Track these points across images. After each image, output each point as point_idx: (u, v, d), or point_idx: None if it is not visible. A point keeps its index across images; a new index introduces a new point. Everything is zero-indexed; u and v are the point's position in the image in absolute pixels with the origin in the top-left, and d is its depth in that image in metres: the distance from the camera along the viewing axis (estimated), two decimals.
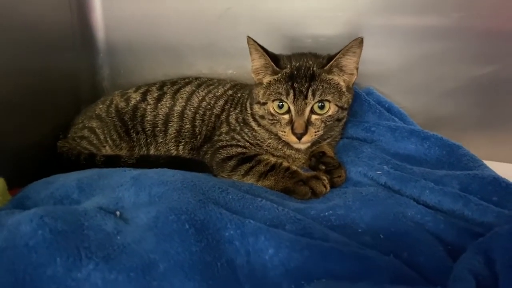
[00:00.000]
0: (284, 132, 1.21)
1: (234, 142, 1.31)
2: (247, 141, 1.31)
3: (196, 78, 1.54)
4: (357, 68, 1.24)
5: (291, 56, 1.27)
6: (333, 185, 1.20)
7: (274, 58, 1.23)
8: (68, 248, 0.76)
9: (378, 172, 1.19)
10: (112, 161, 1.31)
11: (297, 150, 1.29)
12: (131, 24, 1.67)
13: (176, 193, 0.96)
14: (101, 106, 1.50)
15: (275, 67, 1.22)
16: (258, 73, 1.27)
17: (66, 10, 1.57)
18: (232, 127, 1.34)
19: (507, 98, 1.49)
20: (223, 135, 1.33)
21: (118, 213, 0.95)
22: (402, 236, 0.99)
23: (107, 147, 1.43)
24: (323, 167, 1.24)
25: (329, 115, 1.21)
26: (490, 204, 1.04)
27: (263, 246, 0.84)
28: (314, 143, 1.28)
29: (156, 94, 1.48)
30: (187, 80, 1.53)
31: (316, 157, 1.30)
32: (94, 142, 1.43)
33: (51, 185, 1.16)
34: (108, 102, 1.50)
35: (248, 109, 1.33)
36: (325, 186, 1.17)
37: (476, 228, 1.01)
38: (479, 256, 0.88)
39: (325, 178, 1.18)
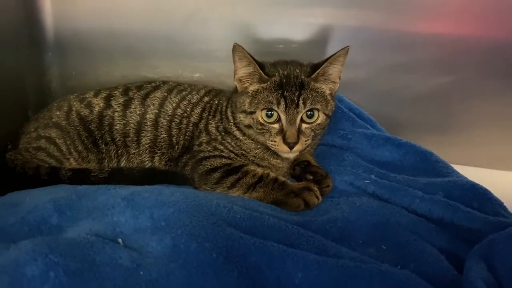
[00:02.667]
0: (275, 141, 1.18)
1: (217, 153, 1.25)
2: (231, 151, 1.26)
3: (164, 82, 1.44)
4: (339, 77, 1.25)
5: (276, 64, 1.24)
6: (321, 195, 1.20)
7: (260, 66, 1.19)
8: None
9: (366, 181, 1.21)
10: (81, 176, 1.18)
11: (282, 159, 1.27)
12: (85, 20, 1.52)
13: (185, 215, 0.88)
14: (58, 113, 1.34)
15: (263, 75, 1.18)
16: (243, 81, 1.22)
17: (9, 2, 1.37)
18: (213, 137, 1.28)
19: (461, 105, 1.60)
20: (204, 145, 1.27)
21: (120, 240, 0.86)
22: (404, 246, 1.01)
23: (71, 160, 1.29)
24: (311, 177, 1.24)
25: (318, 124, 1.21)
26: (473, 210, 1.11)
27: (291, 270, 0.81)
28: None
29: (122, 100, 1.36)
30: (154, 84, 1.43)
31: (300, 166, 1.29)
32: (55, 154, 1.28)
33: (18, 207, 1.02)
34: (66, 108, 1.35)
35: (231, 118, 1.28)
36: (317, 197, 1.16)
37: (465, 235, 1.07)
38: (482, 263, 0.93)
39: (316, 189, 1.17)
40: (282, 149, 1.18)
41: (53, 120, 1.33)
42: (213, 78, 1.54)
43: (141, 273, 0.73)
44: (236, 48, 1.16)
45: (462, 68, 1.53)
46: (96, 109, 1.34)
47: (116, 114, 1.33)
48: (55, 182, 1.17)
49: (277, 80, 1.18)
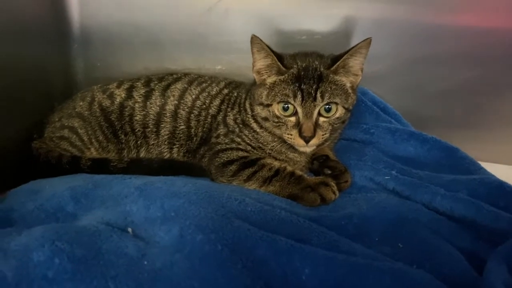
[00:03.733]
0: (291, 135, 1.16)
1: (234, 145, 1.24)
2: (248, 144, 1.24)
3: (185, 74, 1.45)
4: (362, 69, 1.21)
5: (295, 56, 1.21)
6: (339, 190, 1.17)
7: (279, 58, 1.17)
8: (94, 279, 0.67)
9: (386, 177, 1.17)
10: (100, 165, 1.20)
11: (300, 153, 1.24)
12: (109, 13, 1.54)
13: (195, 207, 0.88)
14: (81, 103, 1.36)
15: (281, 67, 1.16)
16: (262, 73, 1.20)
17: None
18: (230, 129, 1.27)
19: (492, 100, 1.53)
20: (221, 137, 1.26)
21: (130, 230, 0.86)
22: (421, 245, 0.97)
23: (92, 149, 1.31)
24: (329, 172, 1.21)
25: (337, 117, 1.18)
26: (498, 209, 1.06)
27: (298, 266, 0.79)
28: (317, 145, 1.24)
29: (143, 91, 1.37)
30: (175, 76, 1.43)
31: (318, 160, 1.26)
32: (77, 143, 1.31)
33: (37, 195, 1.05)
34: (89, 98, 1.37)
35: (249, 110, 1.27)
36: (334, 193, 1.13)
37: (488, 235, 1.02)
38: (503, 265, 0.89)
39: (333, 184, 1.14)
40: (298, 142, 1.16)
41: (76, 110, 1.35)
42: (235, 70, 1.53)
43: (145, 262, 0.73)
44: (254, 39, 1.14)
45: (490, 62, 1.47)
46: (118, 100, 1.35)
47: (136, 105, 1.34)
48: (76, 171, 1.19)
49: (294, 72, 1.16)
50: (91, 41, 1.56)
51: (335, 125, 1.18)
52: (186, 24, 1.52)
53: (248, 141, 1.25)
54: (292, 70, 1.16)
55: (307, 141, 1.14)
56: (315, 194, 1.11)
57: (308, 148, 1.19)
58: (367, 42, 1.15)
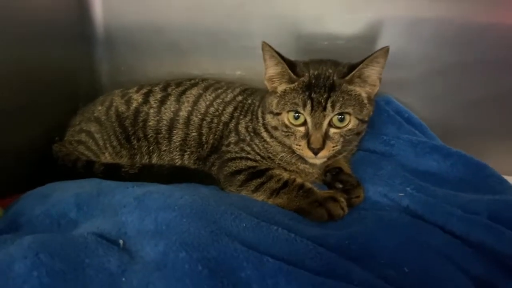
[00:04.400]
0: (300, 145, 1.12)
1: (243, 154, 1.21)
2: (258, 154, 1.22)
3: (203, 80, 1.44)
4: (380, 79, 1.15)
5: (309, 63, 1.17)
6: (350, 205, 1.12)
7: (291, 65, 1.13)
8: None
9: (401, 194, 1.10)
10: (112, 171, 1.22)
11: (311, 164, 1.20)
12: (133, 18, 1.56)
13: (186, 221, 0.86)
14: (100, 108, 1.39)
15: (292, 75, 1.12)
16: (273, 81, 1.16)
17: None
18: (241, 137, 1.25)
19: None
20: (232, 146, 1.24)
21: (121, 241, 0.86)
22: (428, 271, 0.91)
23: (106, 154, 1.34)
24: (340, 186, 1.16)
25: (349, 129, 1.12)
26: None
27: None
28: (330, 157, 1.19)
29: (160, 96, 1.37)
30: (193, 81, 1.43)
31: (331, 173, 1.21)
32: (93, 148, 1.33)
33: (47, 199, 1.07)
34: (107, 103, 1.39)
35: (260, 118, 1.24)
36: (343, 209, 1.08)
37: (508, 265, 0.94)
38: None
39: (343, 200, 1.09)
40: (307, 154, 1.11)
41: (95, 114, 1.38)
42: (254, 76, 1.51)
43: (123, 279, 0.73)
44: (264, 46, 1.11)
45: None
46: (134, 105, 1.36)
47: (151, 110, 1.35)
48: (90, 175, 1.21)
49: (305, 80, 1.11)
50: (116, 45, 1.59)
51: (347, 137, 1.13)
52: (208, 28, 1.51)
53: (258, 151, 1.22)
54: (303, 78, 1.12)
55: (315, 153, 1.09)
56: (323, 210, 1.07)
57: (318, 160, 1.15)
58: (384, 51, 1.09)
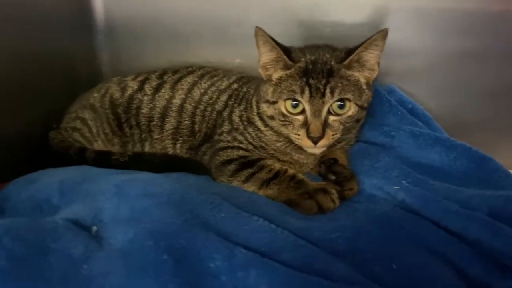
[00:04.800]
0: (298, 135, 1.08)
1: (235, 144, 1.18)
2: (250, 143, 1.18)
3: (200, 68, 1.41)
4: (378, 63, 1.10)
5: (305, 49, 1.12)
6: (342, 198, 1.07)
7: (286, 51, 1.08)
8: (26, 281, 0.66)
9: (396, 187, 1.05)
10: (103, 158, 1.20)
11: (307, 154, 1.16)
12: (134, 6, 1.53)
13: (160, 210, 0.84)
14: (95, 95, 1.37)
15: (288, 60, 1.07)
16: (267, 68, 1.12)
17: None
18: (234, 126, 1.21)
19: None
20: (224, 135, 1.20)
21: (95, 228, 0.84)
22: (417, 269, 0.86)
23: (99, 141, 1.32)
24: (333, 177, 1.11)
25: (349, 116, 1.07)
26: None
27: (254, 283, 0.72)
28: (328, 147, 1.14)
29: (155, 83, 1.34)
30: (190, 69, 1.40)
31: (325, 164, 1.16)
32: (87, 135, 1.32)
33: (33, 184, 1.07)
34: (103, 90, 1.37)
35: (255, 107, 1.19)
36: (333, 201, 1.03)
37: (507, 263, 0.88)
38: None
39: (334, 192, 1.05)
40: (306, 143, 1.07)
41: (90, 101, 1.36)
42: (254, 65, 1.45)
43: (85, 266, 0.70)
44: (258, 32, 1.07)
45: None
46: (128, 92, 1.34)
47: (145, 98, 1.32)
48: (82, 162, 1.19)
49: (302, 66, 1.07)
50: (116, 33, 1.56)
51: (347, 124, 1.08)
52: (208, 15, 1.47)
53: (250, 140, 1.18)
54: (299, 64, 1.08)
55: (315, 142, 1.05)
56: (312, 202, 1.03)
57: (318, 150, 1.11)
58: (383, 33, 1.04)
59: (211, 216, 0.86)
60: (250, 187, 1.10)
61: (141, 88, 1.34)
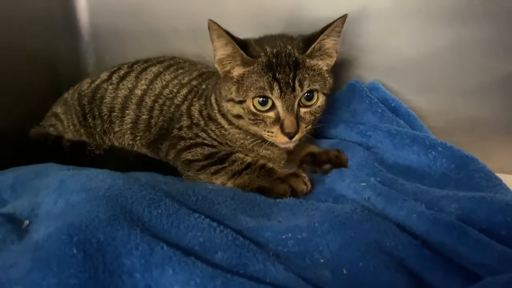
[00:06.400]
0: (272, 132, 1.04)
1: (199, 140, 1.13)
2: (214, 139, 1.13)
3: (172, 58, 1.38)
4: (336, 50, 1.08)
5: (262, 41, 1.08)
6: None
7: (242, 45, 1.03)
8: None
9: (363, 184, 0.97)
10: (78, 148, 1.20)
11: (274, 150, 1.14)
12: (116, 8, 1.54)
13: (90, 204, 0.80)
14: (70, 91, 1.37)
15: (245, 55, 1.03)
16: (224, 64, 1.07)
17: None
18: (194, 121, 1.16)
19: None
20: (184, 130, 1.16)
21: (26, 222, 0.82)
22: (369, 275, 0.78)
23: (69, 134, 1.30)
24: (328, 166, 1.10)
25: (318, 106, 1.06)
26: (494, 239, 0.80)
27: (168, 282, 0.66)
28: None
29: (123, 72, 1.32)
30: (161, 59, 1.37)
31: (308, 163, 1.13)
32: (60, 128, 1.31)
33: None
34: (77, 85, 1.37)
35: (215, 105, 1.15)
36: (305, 184, 1.02)
37: (471, 269, 0.78)
38: None
39: (305, 175, 1.03)
40: (281, 140, 1.04)
41: (64, 97, 1.36)
42: None
43: None
44: (210, 25, 1.02)
45: None
46: (96, 83, 1.32)
47: (110, 87, 1.29)
48: (59, 150, 1.20)
49: (264, 60, 1.03)
50: (101, 36, 1.58)
51: (317, 115, 1.07)
52: (186, 14, 1.46)
53: (214, 137, 1.14)
54: (260, 59, 1.03)
55: (291, 137, 1.03)
56: (285, 185, 1.02)
57: (292, 144, 1.09)
58: (343, 19, 1.03)
59: (146, 213, 0.82)
60: (219, 179, 1.07)
61: (109, 78, 1.32)
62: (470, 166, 1.03)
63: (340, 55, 1.33)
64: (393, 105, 1.25)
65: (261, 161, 1.07)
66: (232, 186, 1.05)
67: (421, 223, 0.85)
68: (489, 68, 1.23)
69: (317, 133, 1.20)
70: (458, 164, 1.04)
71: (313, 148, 1.16)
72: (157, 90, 1.26)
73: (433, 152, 1.07)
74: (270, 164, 1.07)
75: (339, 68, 1.36)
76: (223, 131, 1.13)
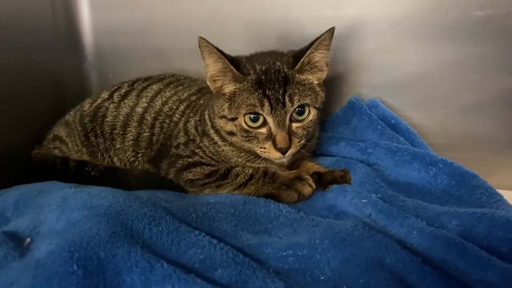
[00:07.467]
0: (264, 148, 1.05)
1: (196, 159, 1.14)
2: (210, 157, 1.15)
3: (172, 75, 1.40)
4: (327, 64, 1.09)
5: (252, 58, 1.10)
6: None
7: (233, 62, 1.05)
8: None
9: (364, 201, 0.97)
10: (80, 168, 1.21)
11: (270, 163, 1.13)
12: (120, 28, 1.57)
13: (91, 221, 0.80)
14: (71, 112, 1.38)
15: (235, 71, 1.04)
16: (215, 80, 1.09)
17: (48, 10, 1.48)
18: (191, 137, 1.18)
19: None
20: (182, 148, 1.17)
21: (28, 240, 0.82)
22: None
23: (73, 154, 1.31)
24: (332, 186, 1.09)
25: (310, 120, 1.06)
26: (495, 256, 0.80)
27: None
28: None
29: (124, 91, 1.33)
30: (162, 76, 1.39)
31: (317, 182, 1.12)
32: (65, 150, 1.32)
33: None
34: (78, 106, 1.38)
35: (208, 121, 1.16)
36: (310, 186, 1.05)
37: (473, 286, 0.78)
38: None
39: (309, 177, 1.06)
40: (274, 155, 1.05)
41: (66, 118, 1.37)
42: None
43: None
44: (201, 42, 1.03)
45: None
46: (97, 102, 1.33)
47: (111, 105, 1.31)
48: (67, 171, 1.21)
49: (253, 78, 1.04)
50: (104, 55, 1.60)
51: (309, 129, 1.07)
52: (188, 34, 1.47)
53: (209, 154, 1.15)
54: (250, 76, 1.05)
55: (284, 152, 1.04)
56: (292, 191, 1.05)
57: (285, 159, 1.10)
58: (331, 32, 1.04)
59: (147, 230, 0.82)
60: (224, 190, 1.09)
61: (110, 97, 1.33)
62: (470, 182, 1.03)
63: (340, 72, 1.36)
64: (392, 122, 1.26)
65: (262, 168, 1.10)
66: (239, 193, 1.08)
67: (422, 240, 0.85)
68: (488, 84, 1.24)
69: (315, 150, 1.21)
70: (458, 181, 1.04)
71: (317, 168, 1.15)
72: (158, 107, 1.27)
73: (433, 169, 1.07)
74: (272, 168, 1.09)
75: (339, 86, 1.38)
76: (216, 148, 1.14)
